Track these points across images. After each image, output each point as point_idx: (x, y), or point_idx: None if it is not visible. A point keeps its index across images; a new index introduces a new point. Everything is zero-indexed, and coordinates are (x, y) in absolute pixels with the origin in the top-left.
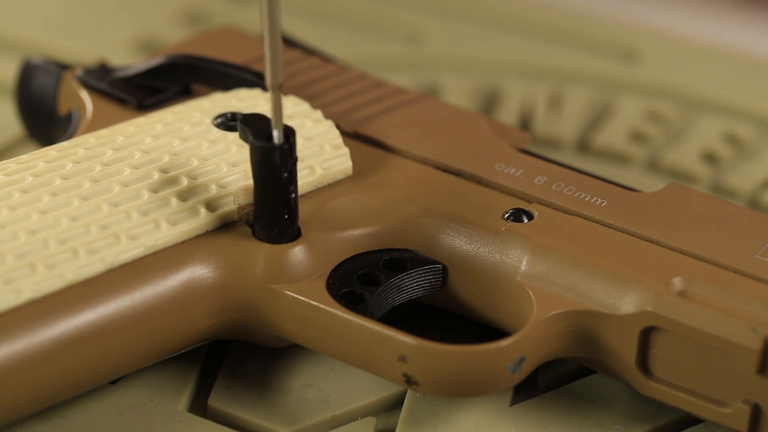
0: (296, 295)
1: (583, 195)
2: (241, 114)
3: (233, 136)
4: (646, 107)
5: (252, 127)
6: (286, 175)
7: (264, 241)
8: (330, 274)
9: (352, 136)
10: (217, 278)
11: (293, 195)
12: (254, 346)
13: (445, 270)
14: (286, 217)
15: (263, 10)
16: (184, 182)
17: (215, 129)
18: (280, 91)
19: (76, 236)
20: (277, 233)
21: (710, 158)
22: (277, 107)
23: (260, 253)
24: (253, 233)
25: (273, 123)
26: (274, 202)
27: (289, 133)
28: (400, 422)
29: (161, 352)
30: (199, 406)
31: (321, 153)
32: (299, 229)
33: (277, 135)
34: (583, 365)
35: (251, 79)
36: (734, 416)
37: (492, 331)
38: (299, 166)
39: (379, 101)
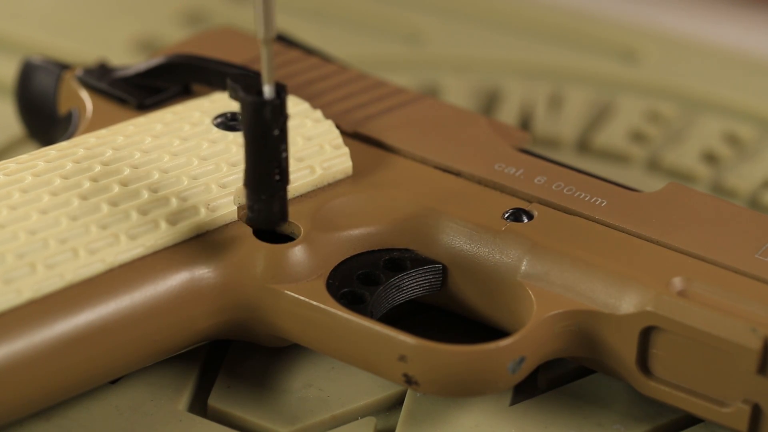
0: (296, 295)
1: (583, 195)
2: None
3: (233, 136)
4: (646, 107)
5: (242, 83)
6: (277, 132)
7: (252, 212)
8: (330, 273)
9: (352, 135)
10: (217, 278)
11: (284, 155)
12: (254, 346)
13: (445, 270)
14: (278, 178)
15: None
16: (184, 182)
17: (215, 129)
18: (272, 45)
19: (76, 236)
20: (268, 198)
21: (710, 158)
22: (269, 62)
23: (260, 252)
24: (247, 220)
25: (264, 78)
26: (264, 162)
27: (280, 89)
28: (400, 422)
29: (161, 352)
30: (199, 406)
31: (321, 153)
32: (295, 227)
33: (268, 90)
34: (583, 365)
35: None
36: (734, 416)
37: (492, 331)
38: (299, 165)
39: (379, 101)
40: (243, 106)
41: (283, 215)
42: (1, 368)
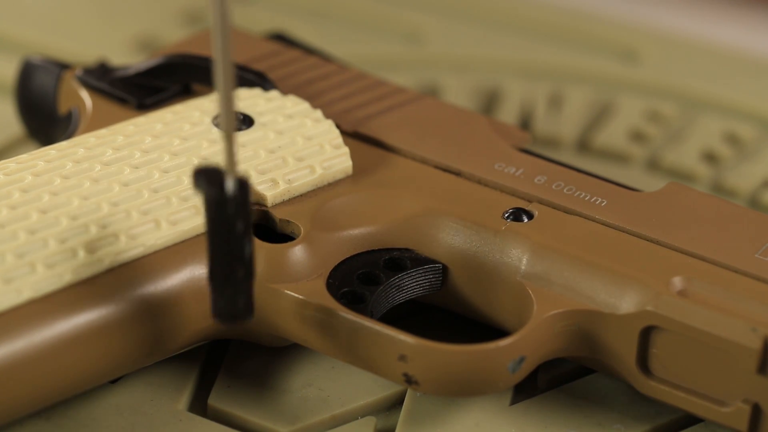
0: (296, 295)
1: (583, 194)
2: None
3: None
4: (646, 107)
5: (204, 176)
6: (240, 227)
7: (217, 307)
8: (330, 273)
9: (352, 135)
10: None
11: (248, 250)
12: (254, 346)
13: (444, 269)
14: (242, 274)
15: (216, 51)
16: (185, 182)
17: (215, 129)
18: (234, 137)
19: (76, 236)
20: (233, 293)
21: (710, 158)
22: (231, 154)
23: (260, 252)
24: (212, 312)
25: (227, 171)
26: (228, 258)
27: (243, 183)
28: (400, 422)
29: (161, 352)
30: (199, 406)
31: (321, 152)
32: (295, 227)
33: (230, 184)
34: (583, 365)
35: (251, 78)
36: (734, 416)
37: (492, 331)
38: (299, 165)
39: (379, 101)
40: (204, 201)
41: (249, 311)
42: (1, 368)
